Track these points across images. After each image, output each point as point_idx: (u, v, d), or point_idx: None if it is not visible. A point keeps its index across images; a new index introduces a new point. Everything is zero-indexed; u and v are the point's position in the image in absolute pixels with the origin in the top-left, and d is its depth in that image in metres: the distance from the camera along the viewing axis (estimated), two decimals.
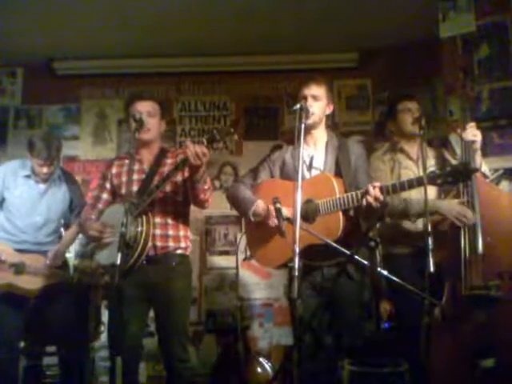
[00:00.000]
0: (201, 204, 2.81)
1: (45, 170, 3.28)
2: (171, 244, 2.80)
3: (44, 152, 3.20)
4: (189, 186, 2.73)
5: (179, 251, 2.83)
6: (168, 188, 2.80)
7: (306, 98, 2.56)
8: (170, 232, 2.80)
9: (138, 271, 2.69)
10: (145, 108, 2.85)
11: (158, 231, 2.76)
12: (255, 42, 4.59)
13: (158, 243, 2.76)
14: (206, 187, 2.70)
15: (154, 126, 2.88)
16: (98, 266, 2.85)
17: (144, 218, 2.69)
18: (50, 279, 3.24)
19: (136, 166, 2.86)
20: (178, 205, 2.85)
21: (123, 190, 2.83)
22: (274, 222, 2.53)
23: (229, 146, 4.86)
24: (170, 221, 2.81)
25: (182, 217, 2.87)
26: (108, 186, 2.93)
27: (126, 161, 2.89)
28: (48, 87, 4.93)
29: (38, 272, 3.23)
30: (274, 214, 2.48)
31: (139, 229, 2.65)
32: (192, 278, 2.96)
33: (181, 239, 2.84)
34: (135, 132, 2.69)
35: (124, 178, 2.87)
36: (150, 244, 2.69)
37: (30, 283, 3.21)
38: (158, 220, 2.77)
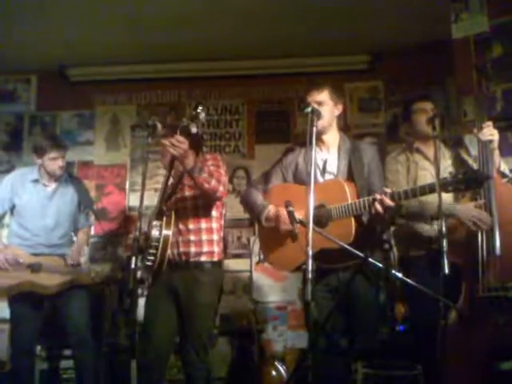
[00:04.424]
0: (211, 194, 2.70)
1: (60, 162, 3.32)
2: (193, 249, 2.80)
3: (54, 146, 3.28)
4: (191, 180, 2.71)
5: (203, 258, 2.81)
6: (187, 193, 2.81)
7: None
8: (192, 237, 2.80)
9: (165, 276, 2.74)
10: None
11: (180, 237, 2.78)
12: (266, 46, 4.60)
13: (181, 249, 2.78)
14: (205, 175, 2.64)
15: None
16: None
17: (164, 223, 2.69)
18: (67, 276, 3.27)
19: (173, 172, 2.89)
20: (200, 209, 2.84)
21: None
22: (284, 226, 2.53)
23: (241, 150, 4.88)
24: (191, 226, 2.81)
25: (205, 221, 2.84)
26: None
27: None
28: (62, 94, 5.00)
29: (55, 270, 3.26)
30: (285, 217, 2.46)
31: (157, 234, 2.66)
32: (218, 285, 2.89)
33: (203, 244, 2.82)
34: (147, 137, 2.72)
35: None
36: (169, 251, 2.70)
37: (48, 280, 3.23)
38: (180, 226, 2.79)
